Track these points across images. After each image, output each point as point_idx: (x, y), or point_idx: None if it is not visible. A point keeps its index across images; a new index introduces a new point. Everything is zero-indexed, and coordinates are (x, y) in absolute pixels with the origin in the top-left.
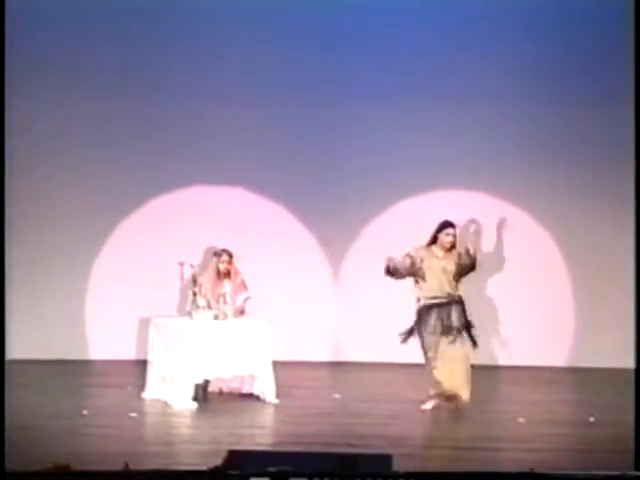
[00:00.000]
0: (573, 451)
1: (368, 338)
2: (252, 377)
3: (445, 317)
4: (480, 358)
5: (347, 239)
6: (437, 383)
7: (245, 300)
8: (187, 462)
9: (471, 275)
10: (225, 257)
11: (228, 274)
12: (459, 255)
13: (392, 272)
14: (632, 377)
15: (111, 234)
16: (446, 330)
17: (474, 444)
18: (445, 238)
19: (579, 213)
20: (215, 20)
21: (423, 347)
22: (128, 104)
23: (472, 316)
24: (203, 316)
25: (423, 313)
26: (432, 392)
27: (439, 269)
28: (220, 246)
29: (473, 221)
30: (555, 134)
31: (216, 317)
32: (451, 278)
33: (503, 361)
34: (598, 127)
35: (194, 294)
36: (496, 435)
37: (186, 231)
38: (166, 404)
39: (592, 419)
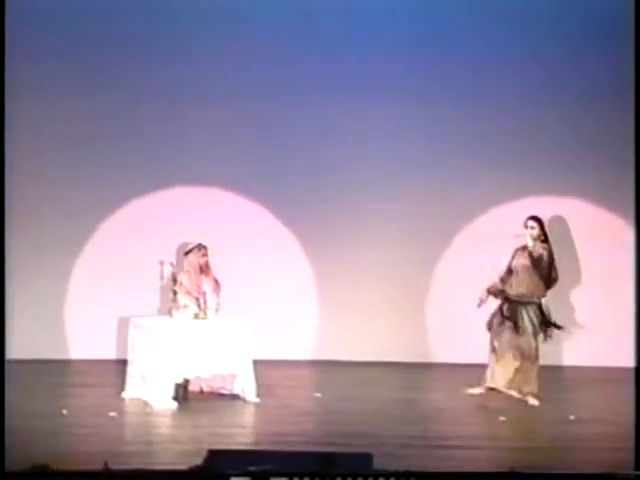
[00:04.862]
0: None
1: (349, 337)
2: (232, 376)
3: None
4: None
5: (329, 238)
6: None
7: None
8: (167, 462)
9: None
10: (205, 250)
11: (207, 267)
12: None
13: None
14: None
15: (91, 234)
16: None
17: (454, 442)
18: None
19: None
20: (194, 19)
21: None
22: (109, 104)
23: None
24: (183, 315)
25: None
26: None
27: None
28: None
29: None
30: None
31: (196, 316)
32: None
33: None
34: None
35: (174, 293)
36: (476, 434)
37: (166, 232)
38: (146, 403)
39: (572, 417)
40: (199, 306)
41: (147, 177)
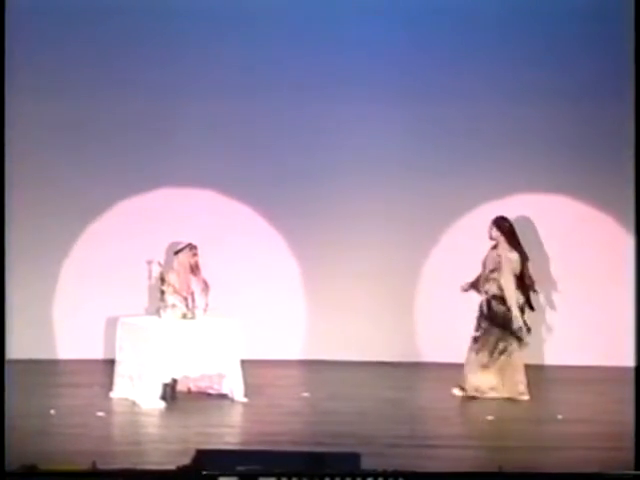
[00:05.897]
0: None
1: (337, 337)
2: (220, 376)
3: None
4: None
5: (317, 239)
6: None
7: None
8: (155, 461)
9: None
10: (196, 250)
11: (197, 268)
12: None
13: None
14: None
15: (80, 235)
16: None
17: (443, 442)
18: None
19: None
20: (187, 18)
21: None
22: (98, 105)
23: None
24: (171, 315)
25: None
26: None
27: None
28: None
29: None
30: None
31: (184, 316)
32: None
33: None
34: None
35: (162, 293)
36: (464, 433)
37: (154, 232)
38: (134, 403)
39: (560, 417)
40: (187, 306)
41: (135, 178)
